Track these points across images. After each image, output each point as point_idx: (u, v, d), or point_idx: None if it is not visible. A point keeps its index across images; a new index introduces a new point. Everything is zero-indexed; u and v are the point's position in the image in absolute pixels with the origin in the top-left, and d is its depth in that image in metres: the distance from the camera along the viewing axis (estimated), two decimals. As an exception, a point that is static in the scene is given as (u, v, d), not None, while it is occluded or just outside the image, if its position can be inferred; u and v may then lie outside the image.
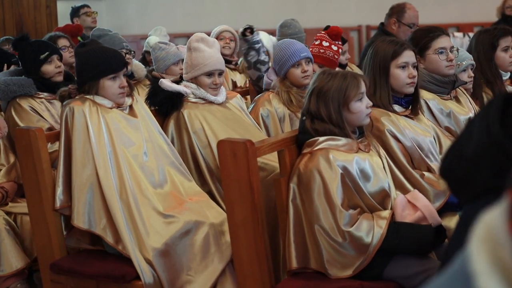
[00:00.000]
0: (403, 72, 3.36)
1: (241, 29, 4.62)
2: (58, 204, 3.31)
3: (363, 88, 2.98)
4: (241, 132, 3.74)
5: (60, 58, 4.25)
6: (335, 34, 4.62)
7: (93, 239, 3.40)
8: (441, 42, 3.74)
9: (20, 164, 3.38)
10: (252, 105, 4.18)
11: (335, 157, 2.88)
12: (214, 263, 3.28)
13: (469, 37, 8.87)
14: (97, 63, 3.36)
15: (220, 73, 3.83)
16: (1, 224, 3.85)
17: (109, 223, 3.26)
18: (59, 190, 3.32)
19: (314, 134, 2.96)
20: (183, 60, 5.01)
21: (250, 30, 4.53)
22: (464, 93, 3.94)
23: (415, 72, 3.40)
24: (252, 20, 10.35)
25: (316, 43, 4.61)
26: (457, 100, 3.85)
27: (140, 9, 10.00)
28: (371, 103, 3.02)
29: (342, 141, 2.94)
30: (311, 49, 4.49)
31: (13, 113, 4.11)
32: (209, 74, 3.78)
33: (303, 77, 4.04)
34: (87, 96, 3.40)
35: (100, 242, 3.38)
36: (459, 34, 8.88)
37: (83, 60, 3.39)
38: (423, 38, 3.76)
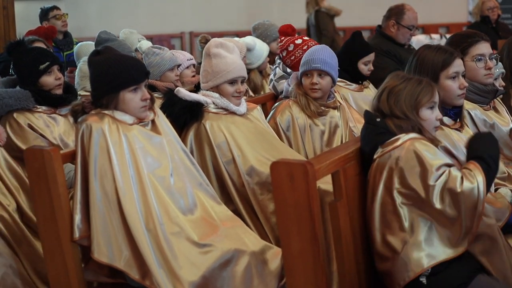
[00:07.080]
0: (454, 82, 3.11)
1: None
2: (77, 234, 2.90)
3: (436, 97, 2.79)
4: (267, 147, 3.47)
5: (60, 69, 3.79)
6: (291, 30, 4.69)
7: (112, 271, 3.00)
8: (480, 48, 3.49)
9: (32, 189, 2.95)
10: (272, 112, 3.94)
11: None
12: (258, 298, 2.92)
13: (446, 37, 8.74)
14: (117, 74, 2.96)
15: (243, 80, 3.51)
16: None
17: (134, 256, 2.88)
18: (77, 218, 2.92)
19: (397, 132, 2.71)
20: (179, 65, 4.69)
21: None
22: (501, 103, 3.71)
23: (466, 82, 3.14)
24: (216, 22, 10.10)
25: (290, 49, 4.46)
26: (496, 111, 3.62)
27: (101, 10, 9.57)
28: (441, 117, 2.77)
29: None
30: (292, 56, 4.43)
31: (8, 129, 3.65)
32: (232, 81, 3.46)
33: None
34: (106, 112, 3.00)
35: (120, 274, 2.98)
36: (436, 36, 8.73)
37: (100, 70, 2.99)
38: (461, 43, 3.50)
